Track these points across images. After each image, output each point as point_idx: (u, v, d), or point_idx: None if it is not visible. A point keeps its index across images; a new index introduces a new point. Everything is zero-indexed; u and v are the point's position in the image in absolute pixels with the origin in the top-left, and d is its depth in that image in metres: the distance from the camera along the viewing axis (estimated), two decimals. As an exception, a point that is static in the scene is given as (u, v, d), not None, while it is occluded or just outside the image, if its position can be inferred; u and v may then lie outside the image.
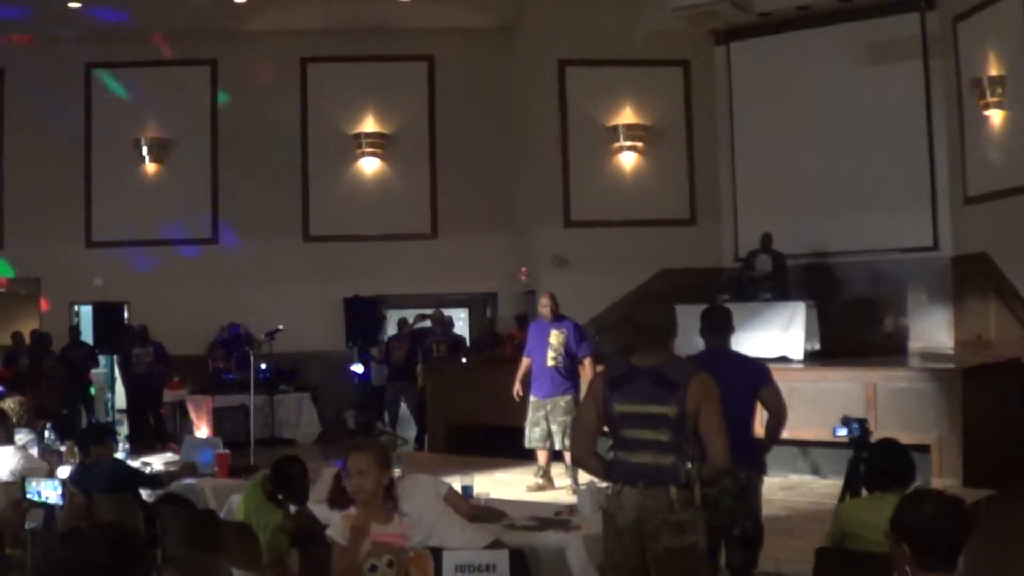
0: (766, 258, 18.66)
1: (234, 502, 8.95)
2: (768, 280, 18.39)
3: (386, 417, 20.70)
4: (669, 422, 6.02)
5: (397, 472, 8.22)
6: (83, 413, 19.57)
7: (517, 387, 13.68)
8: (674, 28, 20.23)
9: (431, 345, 19.96)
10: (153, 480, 9.75)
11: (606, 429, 6.37)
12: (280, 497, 7.88)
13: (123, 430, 19.52)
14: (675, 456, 6.02)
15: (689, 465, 6.03)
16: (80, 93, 22.13)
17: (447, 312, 21.00)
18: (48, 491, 8.87)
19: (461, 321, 22.62)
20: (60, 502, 8.76)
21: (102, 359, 21.20)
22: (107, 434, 10.16)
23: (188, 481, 10.21)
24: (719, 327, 8.13)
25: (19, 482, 9.33)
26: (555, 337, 13.26)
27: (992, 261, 17.75)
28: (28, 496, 8.95)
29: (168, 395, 19.93)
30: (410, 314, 21.17)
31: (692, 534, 6.01)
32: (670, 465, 6.00)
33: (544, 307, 13.52)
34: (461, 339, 21.19)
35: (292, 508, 7.85)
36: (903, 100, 19.35)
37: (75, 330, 21.13)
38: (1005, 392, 14.91)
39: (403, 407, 20.47)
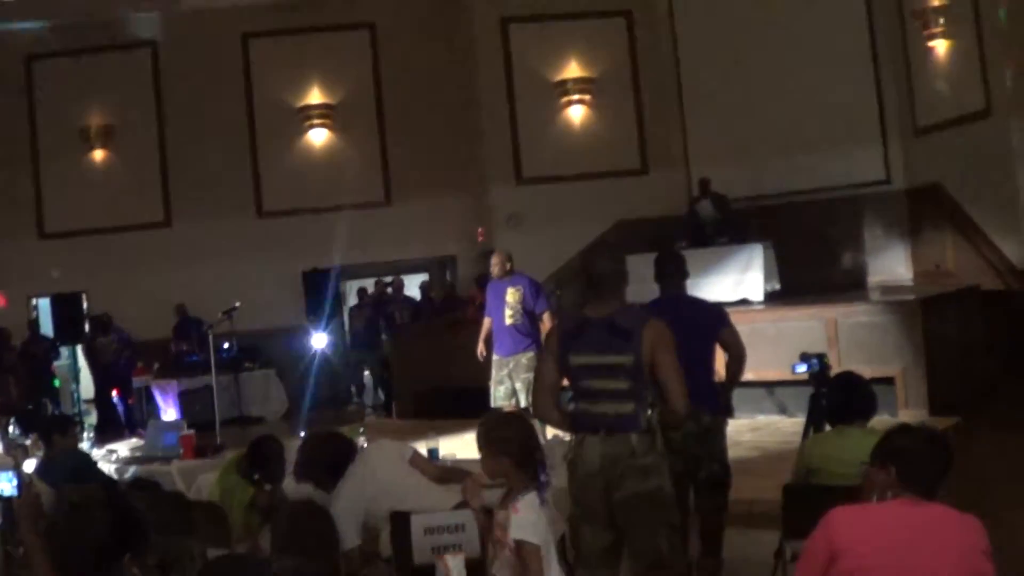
0: (707, 203, 18.71)
1: (202, 482, 8.93)
2: (716, 224, 18.42)
3: (352, 388, 20.72)
4: (626, 371, 6.01)
5: (362, 440, 8.24)
6: (48, 406, 19.45)
7: (480, 347, 13.68)
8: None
9: (393, 312, 19.93)
10: (108, 480, 9.63)
11: (566, 382, 6.37)
12: (256, 477, 7.84)
13: (90, 420, 19.48)
14: (635, 403, 6.02)
15: (649, 412, 6.04)
16: (22, 85, 21.89)
17: (421, 278, 21.06)
18: (3, 484, 8.82)
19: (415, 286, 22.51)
20: (15, 494, 8.71)
21: (64, 350, 21.09)
22: (70, 424, 10.10)
23: (155, 465, 10.19)
24: (673, 273, 8.12)
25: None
26: (511, 295, 13.22)
27: (945, 191, 17.84)
28: (-18, 489, 8.91)
29: (134, 381, 19.86)
30: (369, 283, 21.15)
31: (656, 478, 6.02)
32: (630, 412, 6.00)
33: (495, 266, 13.47)
34: (420, 302, 21.17)
35: (267, 487, 7.81)
36: (847, 35, 19.39)
37: (34, 324, 21.01)
38: (966, 320, 15.00)
39: (365, 375, 20.49)
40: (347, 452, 7.30)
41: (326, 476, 7.21)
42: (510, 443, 5.52)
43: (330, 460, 7.24)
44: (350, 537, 6.85)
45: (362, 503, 6.89)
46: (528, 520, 5.32)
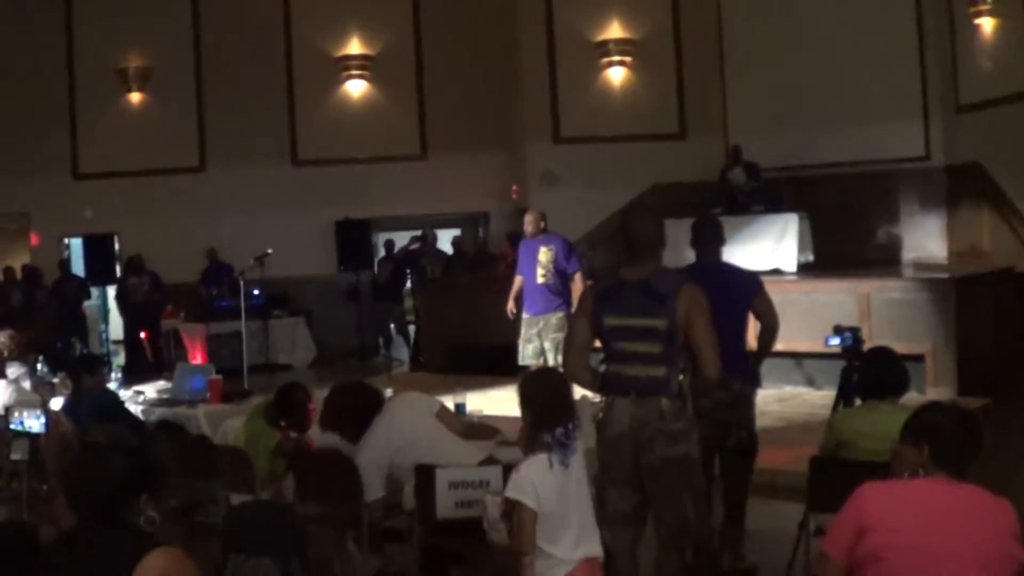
0: (739, 170, 18.59)
1: (228, 427, 8.95)
2: (749, 191, 18.32)
3: (381, 341, 20.76)
4: (659, 334, 5.99)
5: (389, 392, 8.23)
6: (76, 345, 19.54)
7: (510, 304, 13.67)
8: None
9: (425, 265, 19.92)
10: (135, 422, 9.63)
11: (598, 343, 6.33)
12: (283, 424, 7.84)
13: (118, 360, 19.56)
14: (666, 367, 6.00)
15: (681, 376, 6.02)
16: (61, 23, 21.86)
17: (453, 233, 21.06)
18: (31, 421, 8.85)
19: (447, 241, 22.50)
20: (43, 431, 8.75)
21: (95, 291, 21.16)
22: (99, 364, 10.15)
23: (181, 408, 10.21)
24: (710, 239, 8.04)
25: (4, 415, 9.33)
26: (543, 254, 13.19)
27: (985, 170, 17.67)
28: (12, 427, 8.93)
29: (163, 324, 19.92)
30: (399, 236, 21.14)
31: (685, 443, 6.02)
32: (661, 376, 5.98)
33: (529, 224, 13.44)
34: (452, 257, 21.18)
35: (293, 435, 7.82)
36: (894, 8, 19.18)
37: (65, 263, 21.10)
38: (999, 301, 14.91)
39: (391, 327, 20.53)
40: (374, 403, 7.29)
41: (352, 426, 7.20)
42: (532, 400, 5.52)
43: (357, 410, 7.23)
44: (374, 488, 6.86)
45: (387, 454, 6.89)
46: (527, 481, 5.29)
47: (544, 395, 5.52)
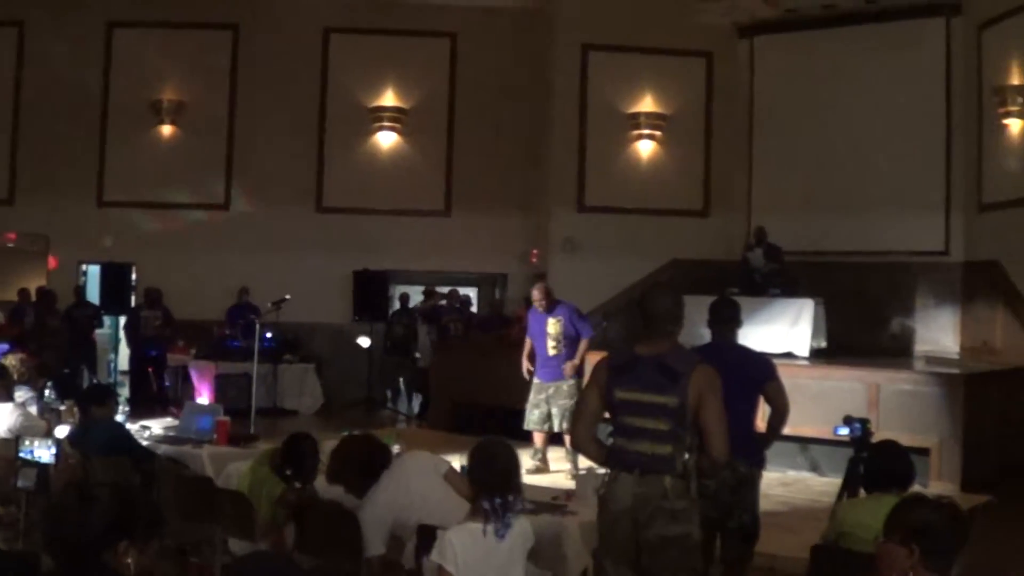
0: (759, 252, 18.63)
1: (232, 470, 8.92)
2: (768, 274, 18.36)
3: (388, 394, 20.76)
4: (669, 412, 5.99)
5: (396, 448, 8.23)
6: (85, 373, 19.53)
7: (526, 364, 13.72)
8: (699, 19, 20.23)
9: (448, 323, 19.95)
10: (146, 453, 9.64)
11: (607, 416, 6.35)
12: (288, 473, 7.82)
13: (124, 392, 19.55)
14: (673, 445, 5.99)
15: (687, 456, 6.02)
16: (100, 51, 22.04)
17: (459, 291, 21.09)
18: (41, 450, 8.86)
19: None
20: (53, 461, 8.75)
21: (107, 320, 21.20)
22: (108, 395, 10.10)
23: (186, 447, 10.20)
24: (727, 319, 8.09)
25: (14, 440, 9.33)
26: (552, 326, 13.32)
27: (1003, 269, 17.73)
28: (21, 455, 8.93)
29: (172, 359, 19.93)
30: (413, 290, 21.17)
31: (686, 523, 6.00)
32: (667, 454, 5.98)
33: (537, 301, 13.54)
34: (474, 315, 21.21)
35: (297, 485, 7.79)
36: (923, 104, 19.32)
37: (80, 289, 21.13)
38: (1008, 400, 14.90)
39: (400, 381, 20.55)
40: (382, 458, 7.29)
41: (358, 479, 7.20)
42: (475, 467, 5.61)
43: (364, 464, 7.23)
44: (375, 544, 6.84)
45: (391, 512, 6.87)
46: (448, 545, 5.31)
47: (487, 464, 5.57)
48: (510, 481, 5.57)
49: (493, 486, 5.47)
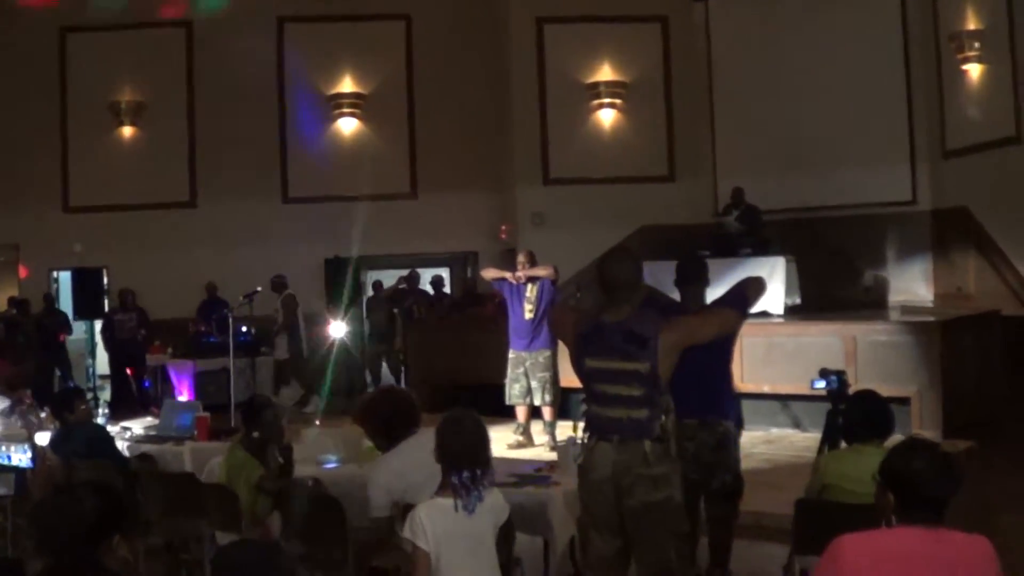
0: (735, 214, 18.68)
1: (214, 465, 8.91)
2: (742, 234, 18.40)
3: (368, 378, 20.70)
4: (641, 377, 5.96)
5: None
6: (56, 378, 19.50)
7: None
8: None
9: (411, 306, 19.91)
10: (122, 460, 9.56)
11: (580, 385, 6.34)
12: (256, 435, 7.75)
13: (105, 395, 19.50)
14: (649, 410, 5.97)
15: (663, 418, 6.01)
16: (55, 56, 21.92)
17: (433, 272, 21.06)
18: (18, 456, 8.82)
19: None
20: (30, 466, 8.71)
21: (83, 325, 21.11)
22: (76, 398, 9.98)
23: (167, 445, 10.19)
24: (694, 278, 8.02)
25: (-10, 447, 9.30)
26: (530, 290, 13.32)
27: (971, 215, 17.79)
28: (-2, 461, 8.92)
29: (150, 360, 19.86)
30: (386, 275, 21.12)
31: (667, 488, 5.98)
32: (644, 419, 5.95)
33: (521, 264, 13.55)
34: (432, 297, 21.12)
35: (275, 453, 7.70)
36: (881, 55, 19.36)
37: (49, 297, 21.05)
38: (985, 344, 14.92)
39: (383, 367, 20.48)
40: (404, 420, 7.05)
41: (376, 435, 7.10)
42: (442, 443, 5.53)
43: (385, 421, 7.06)
44: (380, 507, 6.70)
45: (402, 485, 6.71)
46: (418, 521, 5.29)
47: (454, 437, 5.51)
48: (479, 455, 5.51)
49: (461, 459, 5.42)
